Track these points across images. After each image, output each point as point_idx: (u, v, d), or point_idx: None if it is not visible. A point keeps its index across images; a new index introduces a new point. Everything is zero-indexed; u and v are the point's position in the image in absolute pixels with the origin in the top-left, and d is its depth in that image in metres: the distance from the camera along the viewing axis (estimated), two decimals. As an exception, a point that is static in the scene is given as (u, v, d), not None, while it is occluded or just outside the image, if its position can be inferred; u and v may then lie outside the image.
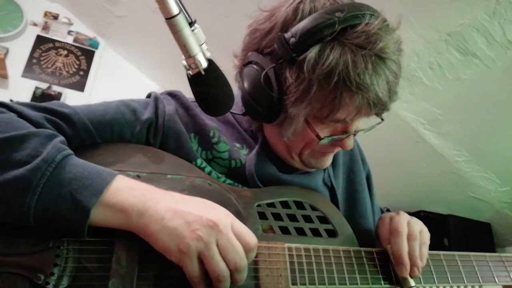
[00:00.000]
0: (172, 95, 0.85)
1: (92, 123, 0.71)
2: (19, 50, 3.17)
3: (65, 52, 3.37)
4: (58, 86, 3.24)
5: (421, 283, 0.79)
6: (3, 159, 0.57)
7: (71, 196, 0.57)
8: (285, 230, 0.75)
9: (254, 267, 0.66)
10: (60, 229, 0.57)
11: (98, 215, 0.58)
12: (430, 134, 2.29)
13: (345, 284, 0.72)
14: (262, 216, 0.74)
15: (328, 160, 0.84)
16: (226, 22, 2.37)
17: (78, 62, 3.38)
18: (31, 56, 3.22)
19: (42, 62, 3.24)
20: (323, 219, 0.80)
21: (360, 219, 0.92)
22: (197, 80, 0.65)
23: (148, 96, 0.84)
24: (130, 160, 0.71)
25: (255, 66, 0.74)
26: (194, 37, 0.61)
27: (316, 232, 0.78)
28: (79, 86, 3.32)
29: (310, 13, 0.69)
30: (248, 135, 0.85)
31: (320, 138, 0.73)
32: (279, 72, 0.71)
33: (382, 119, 0.78)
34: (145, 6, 2.70)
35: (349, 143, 0.77)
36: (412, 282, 0.75)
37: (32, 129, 0.62)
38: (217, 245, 0.58)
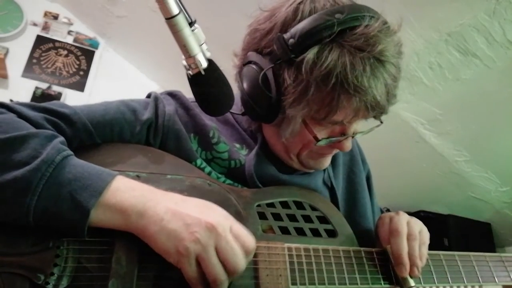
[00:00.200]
0: (172, 95, 0.85)
1: (92, 123, 0.71)
2: (19, 50, 3.17)
3: (65, 52, 3.37)
4: (58, 86, 3.24)
5: (421, 283, 0.79)
6: (3, 159, 0.57)
7: (71, 197, 0.57)
8: (285, 230, 0.75)
9: (254, 267, 0.66)
10: (60, 229, 0.57)
11: (98, 216, 0.58)
12: (430, 134, 2.29)
13: (345, 284, 0.72)
14: (262, 216, 0.74)
15: (326, 161, 0.84)
16: (226, 22, 2.37)
17: (78, 62, 3.38)
18: (31, 56, 3.22)
19: (42, 62, 3.24)
20: (323, 219, 0.80)
21: (360, 219, 0.92)
22: (197, 80, 0.65)
23: (148, 96, 0.84)
24: (130, 160, 0.71)
25: (254, 66, 0.74)
26: (194, 37, 0.61)
27: (316, 232, 0.78)
28: (79, 86, 3.32)
29: (310, 14, 0.68)
30: (248, 135, 0.85)
31: (317, 140, 0.73)
32: (278, 72, 0.71)
33: (381, 122, 0.78)
34: (145, 6, 2.70)
35: (347, 145, 0.77)
36: (412, 282, 0.75)
37: (32, 129, 0.62)
38: (216, 248, 0.58)
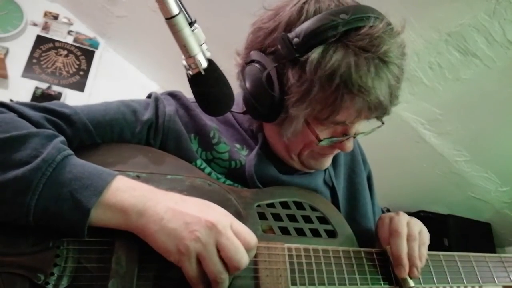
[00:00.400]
0: (173, 95, 0.85)
1: (92, 123, 0.71)
2: (19, 50, 3.17)
3: (65, 52, 3.36)
4: (58, 86, 3.24)
5: (420, 283, 0.79)
6: (3, 159, 0.57)
7: (71, 196, 0.57)
8: (285, 231, 0.75)
9: (254, 268, 0.66)
10: (60, 229, 0.57)
11: (98, 215, 0.58)
12: (430, 134, 2.29)
13: (345, 284, 0.72)
14: (262, 216, 0.74)
15: (327, 162, 0.84)
16: (226, 22, 2.37)
17: (78, 62, 3.38)
18: (31, 56, 3.22)
19: (42, 62, 3.24)
20: (323, 220, 0.80)
21: (361, 219, 0.92)
22: (197, 80, 0.65)
23: (149, 96, 0.84)
24: (130, 160, 0.71)
25: (257, 65, 0.74)
26: (194, 37, 0.61)
27: (315, 233, 0.78)
28: (79, 86, 3.32)
29: (314, 14, 0.68)
30: (248, 136, 0.85)
31: (319, 140, 0.73)
32: (281, 72, 0.71)
33: (383, 123, 0.78)
34: (145, 6, 2.70)
35: (349, 145, 0.77)
36: (411, 283, 0.75)
37: (32, 129, 0.62)
38: (217, 246, 0.58)
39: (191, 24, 0.60)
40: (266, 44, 0.73)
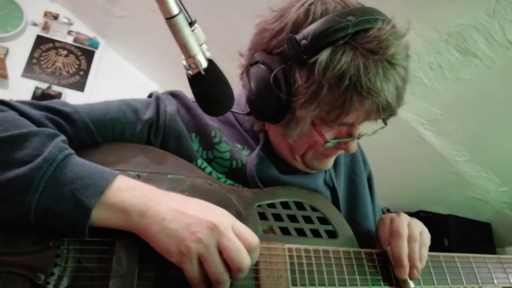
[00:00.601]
0: (174, 95, 0.85)
1: (93, 122, 0.71)
2: (19, 50, 3.17)
3: (65, 52, 3.36)
4: (58, 86, 3.24)
5: (420, 284, 0.79)
6: (4, 158, 0.57)
7: (72, 196, 0.57)
8: (285, 231, 0.75)
9: (255, 268, 0.66)
10: (60, 228, 0.57)
11: (99, 215, 0.58)
12: (430, 134, 2.29)
13: (345, 285, 0.72)
14: (263, 216, 0.74)
15: (330, 162, 0.84)
16: (226, 22, 2.37)
17: (78, 62, 3.38)
18: (31, 56, 3.22)
19: (42, 62, 3.24)
20: (323, 220, 0.80)
21: (361, 219, 0.92)
22: (197, 80, 0.65)
23: (150, 96, 0.84)
24: (131, 159, 0.71)
25: (263, 66, 0.74)
26: (194, 37, 0.61)
27: (316, 233, 0.78)
28: (79, 86, 3.32)
29: (321, 16, 0.68)
30: (250, 136, 0.85)
31: (326, 141, 0.74)
32: (288, 73, 0.71)
33: (386, 124, 0.78)
34: (145, 6, 2.70)
35: (353, 146, 0.78)
36: (411, 284, 0.75)
37: (33, 128, 0.62)
38: (218, 247, 0.58)
39: (191, 24, 0.60)
40: (272, 45, 0.73)
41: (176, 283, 0.60)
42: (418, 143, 2.35)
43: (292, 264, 0.70)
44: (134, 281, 0.58)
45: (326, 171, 0.91)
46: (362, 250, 0.78)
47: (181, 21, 0.59)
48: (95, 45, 3.49)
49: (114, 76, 3.46)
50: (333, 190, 0.91)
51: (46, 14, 3.37)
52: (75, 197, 0.57)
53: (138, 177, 0.67)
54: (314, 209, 0.80)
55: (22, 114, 0.65)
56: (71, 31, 3.43)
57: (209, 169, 0.78)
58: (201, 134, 0.81)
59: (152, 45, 3.13)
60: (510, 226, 2.61)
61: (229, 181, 0.79)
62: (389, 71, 0.67)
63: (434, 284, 0.81)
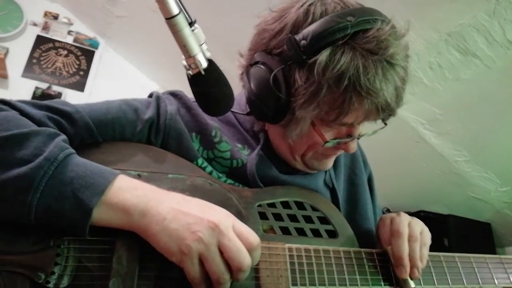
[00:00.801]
0: (174, 94, 0.85)
1: (94, 122, 0.71)
2: (19, 50, 3.17)
3: (65, 52, 3.36)
4: (58, 86, 3.24)
5: (421, 284, 0.79)
6: (5, 157, 0.57)
7: (73, 195, 0.57)
8: (285, 231, 0.75)
9: (255, 268, 0.66)
10: (61, 228, 0.57)
11: (100, 215, 0.58)
12: (430, 134, 2.29)
13: (345, 285, 0.72)
14: (263, 216, 0.74)
15: (330, 162, 0.84)
16: (226, 22, 2.37)
17: (78, 62, 3.38)
18: (31, 56, 3.22)
19: (42, 62, 3.24)
20: (324, 220, 0.80)
21: (361, 220, 0.92)
22: (197, 80, 0.65)
23: (150, 95, 0.84)
24: (131, 159, 0.71)
25: (262, 67, 0.74)
26: (194, 37, 0.61)
27: (316, 233, 0.78)
28: (79, 86, 3.32)
29: (321, 16, 0.69)
30: (250, 136, 0.85)
31: (325, 141, 0.74)
32: (288, 73, 0.71)
33: (386, 124, 0.79)
34: (145, 6, 2.70)
35: (353, 146, 0.78)
36: (412, 284, 0.75)
37: (34, 127, 0.62)
38: (219, 246, 0.58)
39: (191, 24, 0.60)
40: (272, 45, 0.73)
41: (176, 282, 0.60)
42: (418, 143, 2.35)
43: (292, 263, 0.70)
44: (135, 280, 0.58)
45: (326, 172, 0.91)
46: (362, 250, 0.78)
47: (181, 21, 0.59)
48: (95, 45, 3.49)
49: (114, 76, 3.46)
50: (332, 190, 0.91)
51: (46, 14, 3.37)
52: (76, 196, 0.57)
53: (138, 176, 0.67)
54: (314, 209, 0.80)
55: (23, 113, 0.65)
56: (71, 31, 3.43)
57: (209, 168, 0.78)
58: (202, 133, 0.81)
59: (152, 45, 3.13)
60: (510, 226, 2.61)
61: (229, 181, 0.79)
62: (389, 72, 0.67)
63: (435, 284, 0.81)
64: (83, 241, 0.59)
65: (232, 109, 0.75)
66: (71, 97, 3.23)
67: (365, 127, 0.78)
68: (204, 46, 0.63)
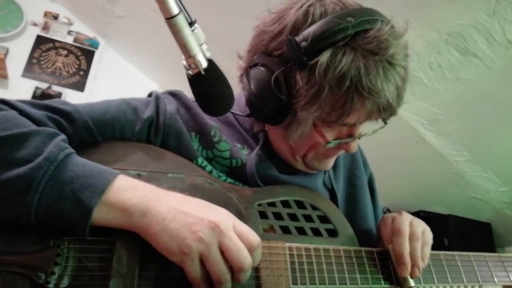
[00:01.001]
0: (173, 94, 0.85)
1: (93, 121, 0.71)
2: (19, 50, 3.17)
3: (65, 52, 3.36)
4: (58, 86, 3.24)
5: (420, 283, 0.79)
6: (4, 157, 0.57)
7: (73, 195, 0.57)
8: (285, 230, 0.75)
9: (255, 267, 0.66)
10: (61, 228, 0.57)
11: (100, 215, 0.58)
12: (430, 134, 2.29)
13: (346, 284, 0.72)
14: (263, 215, 0.74)
15: (330, 162, 0.84)
16: (226, 22, 2.37)
17: (78, 62, 3.38)
18: (31, 56, 3.21)
19: (42, 62, 3.24)
20: (324, 219, 0.80)
21: (360, 221, 0.92)
22: (197, 80, 0.65)
23: (149, 95, 0.84)
24: (131, 158, 0.71)
25: (262, 68, 0.74)
26: (194, 37, 0.61)
27: (316, 232, 0.78)
28: (79, 86, 3.32)
29: (321, 17, 0.69)
30: (249, 136, 0.85)
31: (327, 142, 0.74)
32: (289, 75, 0.71)
33: (386, 123, 0.79)
34: (145, 6, 2.70)
35: (354, 146, 0.78)
36: (412, 282, 0.75)
37: (33, 127, 0.62)
38: (220, 246, 0.58)
39: (191, 24, 0.60)
40: (271, 47, 0.73)
41: (176, 282, 0.60)
42: (418, 143, 2.35)
43: (292, 263, 0.70)
44: (135, 280, 0.58)
45: (325, 173, 0.91)
46: (362, 248, 0.79)
47: (181, 21, 0.59)
48: (95, 45, 3.49)
49: (114, 76, 3.46)
50: (332, 191, 0.91)
51: (46, 14, 3.37)
52: (76, 196, 0.57)
53: (138, 176, 0.67)
54: (314, 208, 0.80)
55: (22, 113, 0.65)
56: (71, 31, 3.43)
57: (209, 167, 0.78)
58: (201, 133, 0.81)
59: (152, 45, 3.13)
60: (510, 226, 2.61)
61: (229, 180, 0.79)
62: (389, 71, 0.67)
63: (435, 283, 0.81)
64: (83, 241, 0.59)
65: (231, 110, 0.75)
66: (71, 97, 3.23)
67: (365, 127, 0.78)
68: (204, 46, 0.63)
